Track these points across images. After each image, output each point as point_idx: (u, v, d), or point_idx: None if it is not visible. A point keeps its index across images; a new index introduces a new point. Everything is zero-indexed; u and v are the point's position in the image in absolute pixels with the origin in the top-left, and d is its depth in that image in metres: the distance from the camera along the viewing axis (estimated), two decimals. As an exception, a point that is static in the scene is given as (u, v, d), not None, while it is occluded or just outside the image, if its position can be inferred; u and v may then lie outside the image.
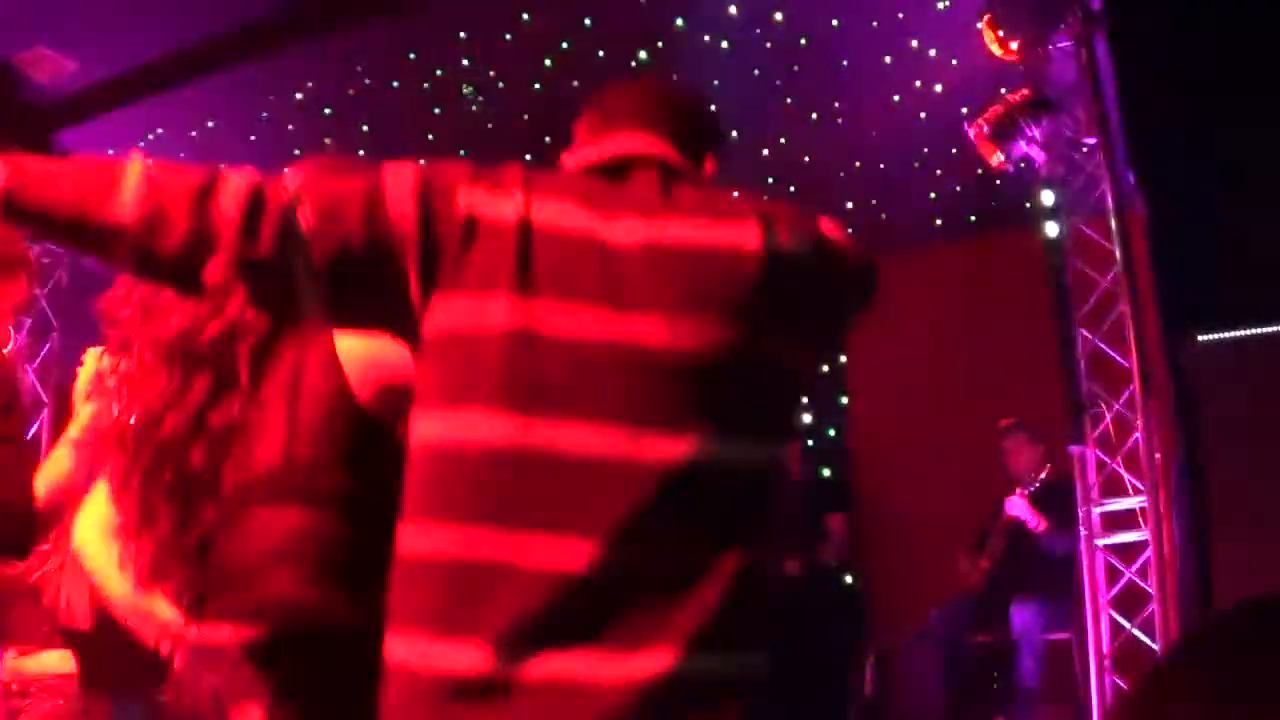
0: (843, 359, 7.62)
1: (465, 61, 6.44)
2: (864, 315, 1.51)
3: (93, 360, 2.06)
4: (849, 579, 6.87)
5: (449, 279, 1.36)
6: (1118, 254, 5.09)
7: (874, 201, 7.16)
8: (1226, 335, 4.61)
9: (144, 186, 1.36)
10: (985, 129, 5.27)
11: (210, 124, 6.67)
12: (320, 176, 1.40)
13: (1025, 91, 5.24)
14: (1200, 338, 4.63)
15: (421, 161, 1.46)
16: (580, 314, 1.34)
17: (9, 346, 2.53)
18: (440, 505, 1.32)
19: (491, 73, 6.47)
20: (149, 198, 1.36)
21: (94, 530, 1.86)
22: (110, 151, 5.90)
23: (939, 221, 7.25)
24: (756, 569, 1.33)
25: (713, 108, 1.69)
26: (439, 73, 6.52)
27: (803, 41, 6.16)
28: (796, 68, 6.30)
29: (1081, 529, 5.18)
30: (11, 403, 2.32)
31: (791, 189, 7.19)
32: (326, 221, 1.35)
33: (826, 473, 7.39)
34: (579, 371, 1.32)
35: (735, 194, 1.47)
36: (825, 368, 7.79)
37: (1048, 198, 5.56)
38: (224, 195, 1.37)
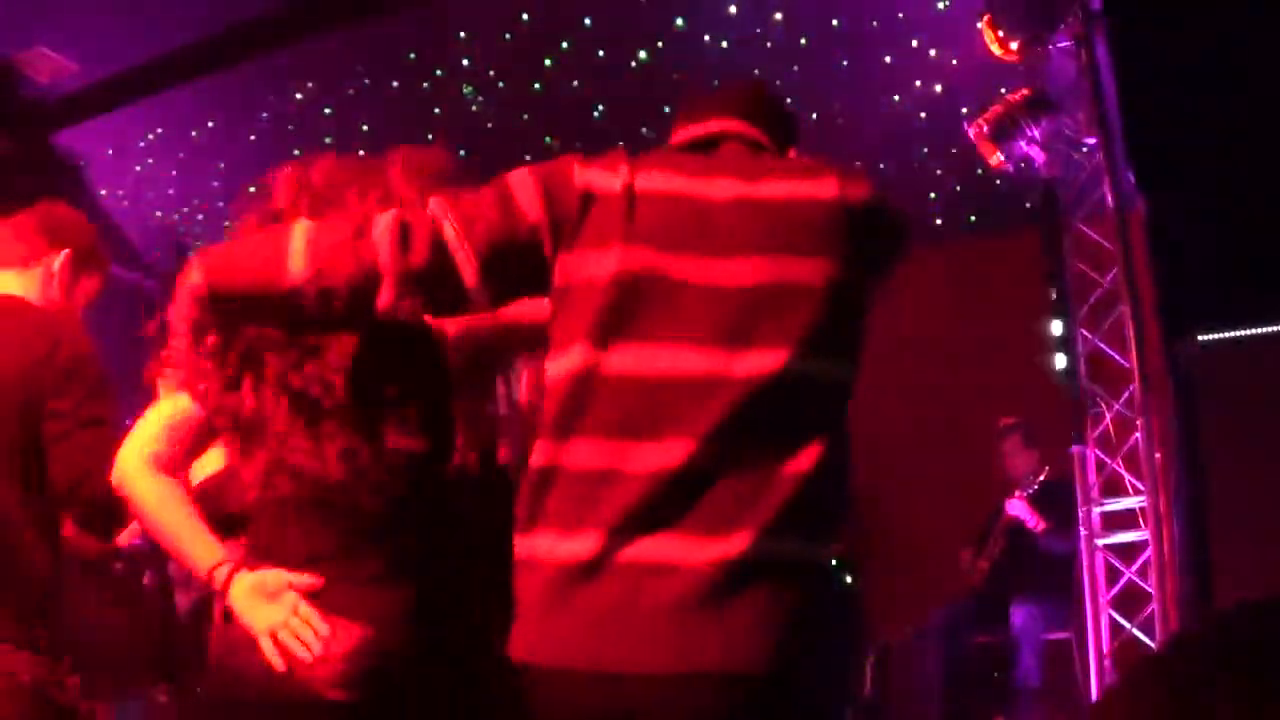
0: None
1: (465, 61, 6.43)
2: (900, 263, 1.76)
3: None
4: (848, 579, 6.86)
5: (570, 240, 1.63)
6: (1118, 254, 5.09)
7: (874, 201, 7.16)
8: (1226, 335, 4.61)
9: (307, 248, 1.63)
10: (985, 129, 5.26)
11: (210, 124, 6.67)
12: (454, 194, 1.67)
13: (1025, 91, 5.24)
14: (1200, 338, 4.63)
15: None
16: (676, 259, 1.60)
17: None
18: (561, 426, 1.58)
19: (491, 73, 6.46)
20: (314, 256, 1.62)
21: (137, 461, 1.89)
22: (109, 152, 5.85)
23: (939, 221, 7.25)
24: (827, 468, 1.58)
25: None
26: (439, 73, 6.52)
27: (803, 41, 6.15)
28: (796, 68, 6.30)
29: (1081, 529, 5.17)
30: (101, 386, 2.36)
31: (791, 189, 7.19)
32: (469, 226, 1.62)
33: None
34: (678, 305, 1.58)
35: (810, 159, 1.77)
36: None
37: (1048, 198, 5.55)
38: (375, 231, 1.62)
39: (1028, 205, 5.96)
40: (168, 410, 1.93)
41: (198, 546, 1.83)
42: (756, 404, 1.55)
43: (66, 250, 2.64)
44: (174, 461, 1.90)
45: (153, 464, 1.88)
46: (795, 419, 1.57)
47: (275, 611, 1.74)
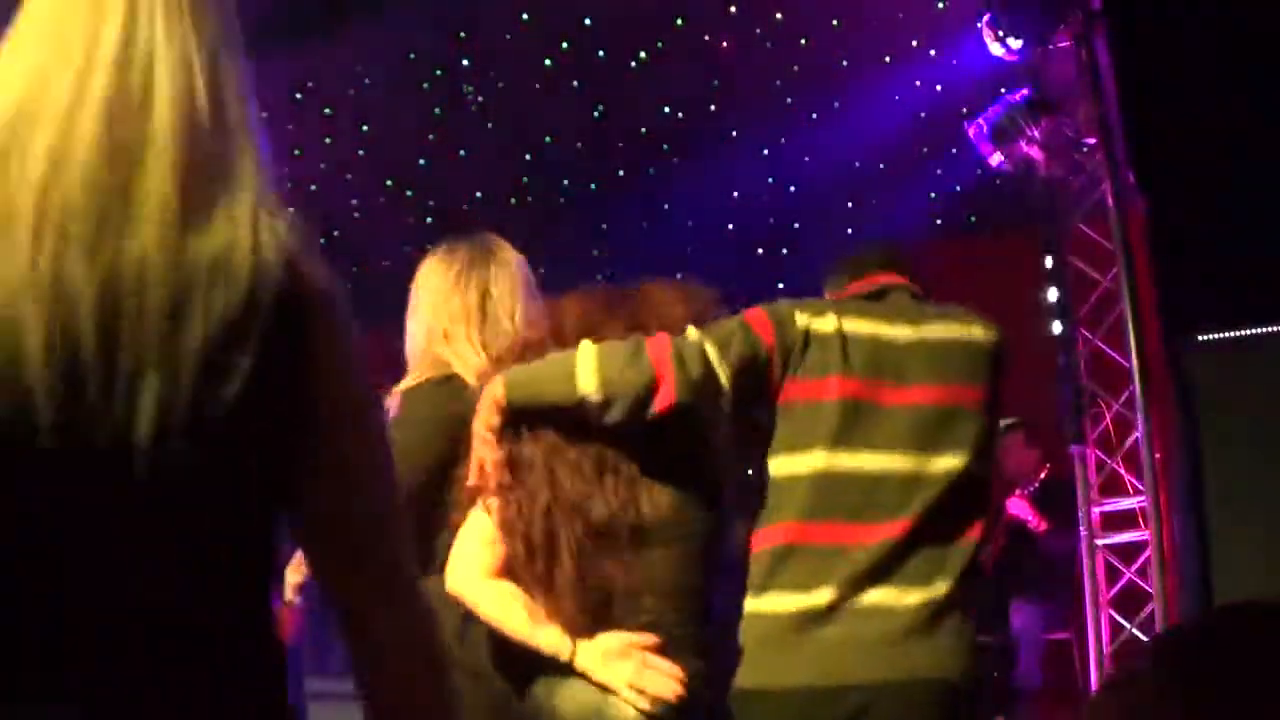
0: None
1: (465, 62, 6.44)
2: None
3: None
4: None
5: (794, 368, 2.14)
6: (1118, 254, 5.09)
7: (874, 201, 7.16)
8: (1226, 335, 4.61)
9: (596, 365, 2.06)
10: (985, 129, 5.26)
11: (210, 124, 6.66)
12: (708, 326, 2.14)
13: (1025, 91, 5.24)
14: (1200, 338, 4.63)
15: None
16: (879, 386, 2.14)
17: None
18: (808, 510, 2.10)
19: (491, 73, 6.47)
20: (601, 372, 2.06)
21: (473, 573, 2.15)
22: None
23: (939, 221, 7.25)
24: (984, 538, 2.20)
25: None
26: (439, 73, 6.52)
27: (803, 42, 6.16)
28: (796, 68, 6.30)
29: (1081, 529, 5.18)
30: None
31: (792, 189, 7.19)
32: (724, 348, 2.10)
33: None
34: (884, 421, 2.12)
35: (956, 306, 2.30)
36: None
37: (1048, 198, 5.55)
38: (653, 351, 2.08)
39: (1028, 205, 5.96)
40: (480, 523, 2.18)
41: (541, 636, 2.08)
42: (946, 493, 2.11)
43: None
44: (496, 566, 2.16)
45: (485, 574, 2.15)
46: (969, 503, 2.15)
47: (628, 667, 2.04)
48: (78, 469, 1.00)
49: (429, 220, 7.56)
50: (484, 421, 2.13)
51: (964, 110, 5.67)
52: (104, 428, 0.99)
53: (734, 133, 6.88)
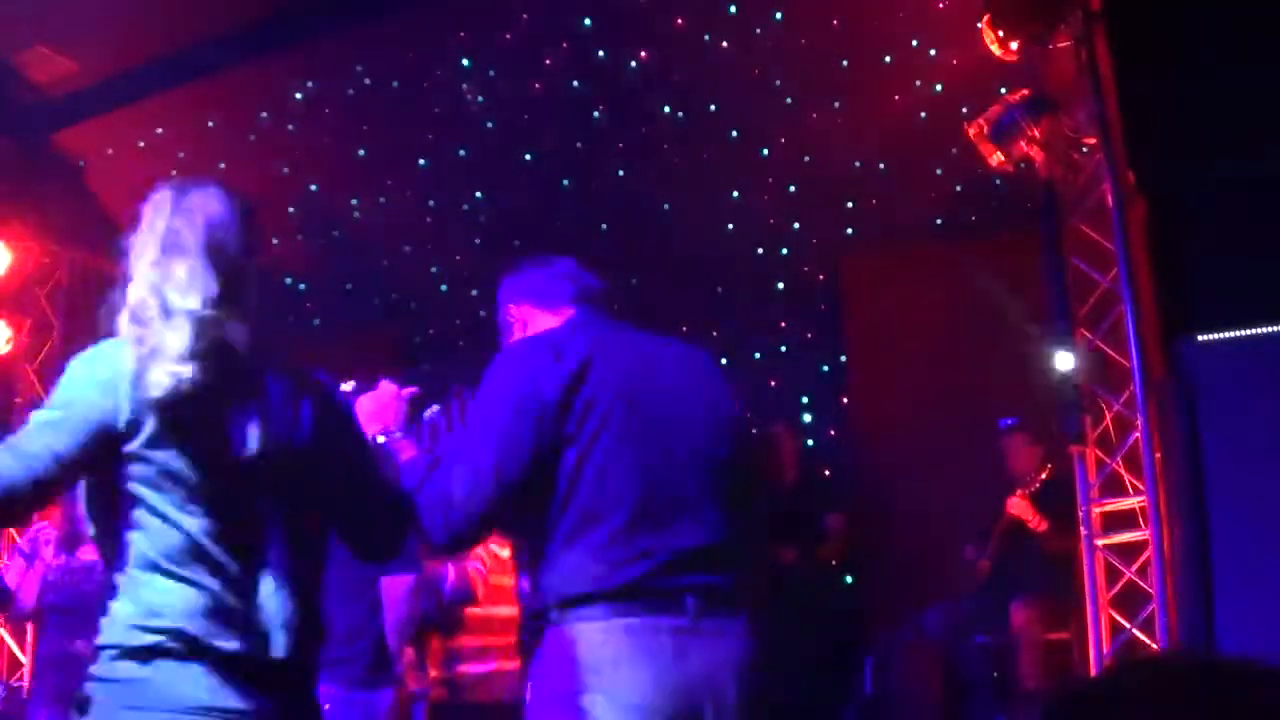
0: (843, 359, 7.62)
1: (465, 62, 6.44)
2: None
3: None
4: (848, 578, 6.86)
5: None
6: (1118, 254, 5.08)
7: (874, 201, 7.16)
8: (1226, 335, 4.60)
9: None
10: (985, 129, 5.25)
11: (210, 124, 6.67)
12: None
13: (1025, 91, 5.24)
14: (1200, 338, 4.62)
15: None
16: None
17: None
18: None
19: (491, 73, 6.46)
20: None
21: None
22: (109, 152, 5.83)
23: (939, 221, 7.24)
24: None
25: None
26: (439, 73, 6.51)
27: (803, 41, 6.16)
28: (797, 68, 6.30)
29: (1081, 529, 5.17)
30: None
31: (792, 189, 7.19)
32: None
33: (826, 473, 7.38)
34: None
35: None
36: (825, 367, 7.78)
37: (1048, 198, 5.54)
38: None
39: (1028, 205, 5.95)
40: None
41: None
42: None
43: None
44: None
45: None
46: None
47: None
48: None
49: (428, 220, 7.56)
50: None
51: (964, 110, 5.66)
52: None
53: (734, 133, 6.87)
